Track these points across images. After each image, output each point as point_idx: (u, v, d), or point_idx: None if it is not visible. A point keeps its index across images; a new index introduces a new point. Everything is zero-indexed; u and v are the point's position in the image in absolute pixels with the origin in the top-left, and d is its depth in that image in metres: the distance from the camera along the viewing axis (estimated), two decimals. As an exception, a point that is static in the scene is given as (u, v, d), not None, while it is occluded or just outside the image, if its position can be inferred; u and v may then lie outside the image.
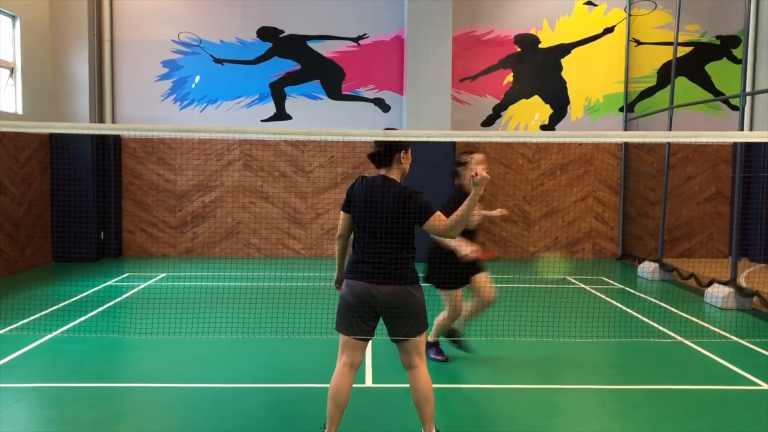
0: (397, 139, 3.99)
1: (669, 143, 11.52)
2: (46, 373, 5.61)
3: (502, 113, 13.12)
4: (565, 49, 13.12)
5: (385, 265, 3.83)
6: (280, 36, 12.81)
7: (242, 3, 12.73)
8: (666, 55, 12.86)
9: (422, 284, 4.04)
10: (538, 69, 13.11)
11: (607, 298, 9.04)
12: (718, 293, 8.62)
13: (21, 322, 7.19)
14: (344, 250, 4.16)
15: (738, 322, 7.81)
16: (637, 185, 13.15)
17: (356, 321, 3.89)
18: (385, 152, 3.92)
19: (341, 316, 3.94)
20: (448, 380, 5.47)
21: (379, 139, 4.01)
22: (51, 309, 7.90)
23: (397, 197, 3.83)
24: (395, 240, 3.85)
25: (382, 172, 3.97)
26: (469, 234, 5.64)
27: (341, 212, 4.07)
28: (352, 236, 4.06)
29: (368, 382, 5.41)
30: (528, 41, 13.06)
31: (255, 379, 5.49)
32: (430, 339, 6.06)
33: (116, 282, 9.86)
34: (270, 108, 12.88)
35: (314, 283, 9.40)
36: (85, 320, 7.40)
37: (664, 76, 12.98)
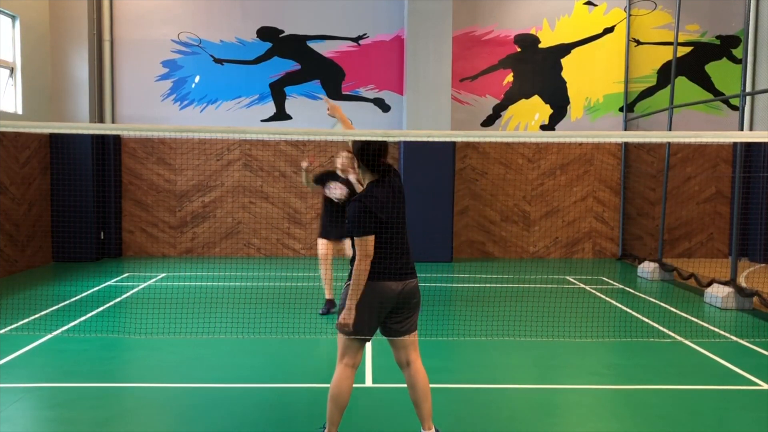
0: (379, 139, 3.94)
1: (669, 143, 11.52)
2: (46, 373, 5.61)
3: (502, 113, 13.12)
4: (565, 49, 13.12)
5: (407, 259, 3.93)
6: (280, 36, 12.80)
7: (242, 3, 12.73)
8: (666, 55, 12.86)
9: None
10: (538, 69, 13.11)
11: (607, 298, 9.04)
12: (718, 293, 8.62)
13: (21, 322, 7.20)
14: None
15: (738, 322, 7.81)
16: (637, 185, 13.15)
17: (371, 322, 3.86)
18: (385, 160, 3.96)
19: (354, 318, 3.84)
20: (447, 380, 5.47)
21: (371, 139, 3.96)
22: (51, 309, 7.90)
23: (399, 185, 3.97)
24: (407, 232, 4.00)
25: (377, 177, 3.92)
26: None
27: (368, 237, 3.72)
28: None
29: (368, 382, 5.40)
30: (528, 41, 13.06)
31: (254, 379, 5.49)
32: (331, 296, 7.64)
33: (116, 282, 9.86)
34: (270, 108, 12.88)
35: (314, 283, 9.40)
36: (85, 320, 7.40)
37: (664, 76, 12.98)
